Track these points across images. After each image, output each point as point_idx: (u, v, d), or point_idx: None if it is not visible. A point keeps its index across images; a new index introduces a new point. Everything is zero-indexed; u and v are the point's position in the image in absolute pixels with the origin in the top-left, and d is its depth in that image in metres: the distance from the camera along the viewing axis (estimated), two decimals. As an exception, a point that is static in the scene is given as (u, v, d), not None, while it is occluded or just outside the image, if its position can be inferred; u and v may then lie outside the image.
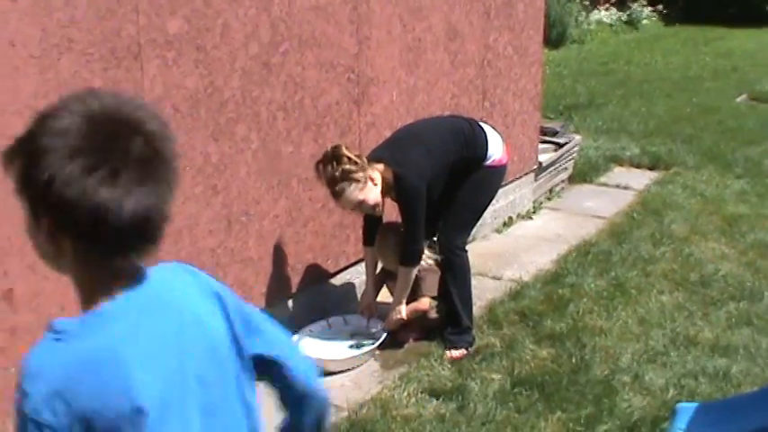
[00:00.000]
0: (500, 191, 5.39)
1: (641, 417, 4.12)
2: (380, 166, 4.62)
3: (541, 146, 7.61)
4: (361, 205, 4.60)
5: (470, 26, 6.20)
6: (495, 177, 4.99)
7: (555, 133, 8.02)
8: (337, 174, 4.44)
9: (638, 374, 4.54)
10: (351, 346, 4.90)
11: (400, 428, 4.04)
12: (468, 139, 4.85)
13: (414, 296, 4.95)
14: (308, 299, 5.05)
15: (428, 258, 4.95)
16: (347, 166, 4.43)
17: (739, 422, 3.77)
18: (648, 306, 5.37)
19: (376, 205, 4.63)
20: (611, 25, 19.45)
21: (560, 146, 7.87)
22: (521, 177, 7.17)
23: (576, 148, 8.28)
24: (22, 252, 3.51)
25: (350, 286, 5.33)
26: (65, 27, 3.52)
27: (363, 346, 4.86)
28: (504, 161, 4.98)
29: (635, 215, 7.13)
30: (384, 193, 4.64)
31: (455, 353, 4.85)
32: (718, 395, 4.33)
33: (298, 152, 4.83)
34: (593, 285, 5.64)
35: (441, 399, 4.33)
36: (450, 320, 4.96)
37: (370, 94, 5.29)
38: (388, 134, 5.07)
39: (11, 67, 3.37)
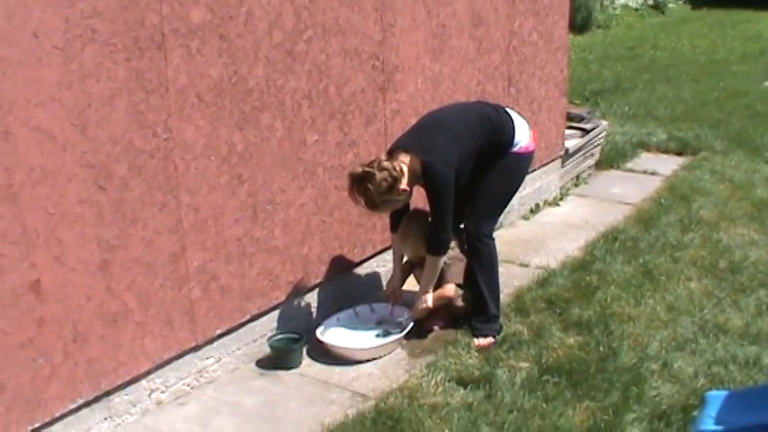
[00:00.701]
0: (527, 177, 5.36)
1: (670, 405, 4.08)
2: (407, 157, 4.59)
3: (568, 132, 7.56)
4: (393, 209, 4.79)
5: (495, 12, 6.15)
6: (522, 164, 4.95)
7: (581, 119, 7.97)
8: (375, 199, 4.50)
9: (666, 362, 4.50)
10: (378, 335, 4.88)
11: (427, 417, 4.02)
12: (494, 124, 4.81)
13: (440, 283, 4.93)
14: (334, 287, 5.04)
15: (454, 247, 4.92)
16: (382, 189, 4.46)
17: (770, 410, 3.73)
18: (677, 293, 5.32)
19: (407, 201, 4.74)
20: (636, 9, 19.33)
21: (587, 132, 7.82)
22: (547, 164, 7.12)
23: (602, 134, 8.22)
24: (48, 243, 3.53)
25: (376, 274, 5.32)
26: (88, 17, 3.52)
27: (390, 334, 4.84)
28: (531, 148, 4.95)
29: (662, 201, 7.06)
30: (411, 183, 4.61)
31: (482, 341, 4.82)
32: (749, 383, 4.29)
33: (323, 140, 4.81)
34: (620, 272, 5.60)
35: (468, 387, 4.30)
36: (478, 308, 4.93)
37: (395, 82, 5.26)
38: (413, 122, 5.04)
39: (34, 58, 3.37)
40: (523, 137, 4.88)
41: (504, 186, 4.93)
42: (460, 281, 4.97)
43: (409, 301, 5.00)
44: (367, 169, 4.45)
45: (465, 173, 4.70)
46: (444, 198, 4.57)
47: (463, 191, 4.75)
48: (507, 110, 4.99)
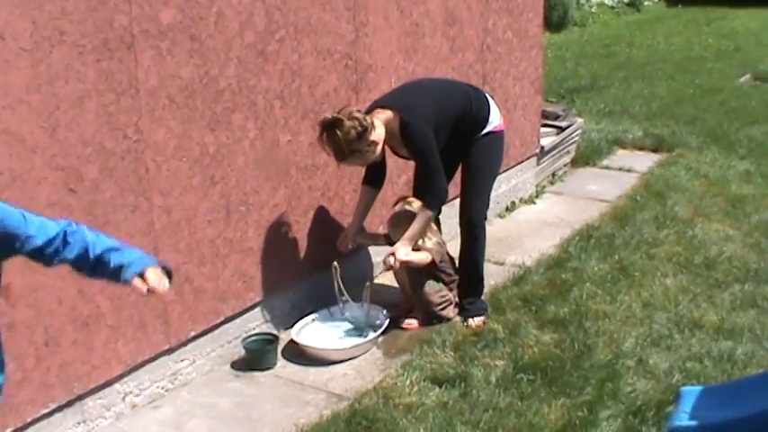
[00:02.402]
0: (502, 175, 5.37)
1: (645, 401, 4.09)
2: (386, 114, 4.66)
3: (543, 129, 7.57)
4: (363, 163, 4.78)
5: (469, 10, 6.15)
6: (499, 142, 5.08)
7: (557, 117, 7.97)
8: (337, 145, 4.49)
9: (642, 358, 4.51)
10: (353, 335, 4.87)
11: (402, 417, 4.01)
12: (472, 99, 4.95)
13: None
14: (309, 288, 5.03)
15: (432, 238, 4.92)
16: (350, 137, 4.46)
17: (745, 405, 3.74)
18: (652, 289, 5.33)
19: (377, 158, 4.74)
20: (612, 7, 19.38)
21: (562, 129, 7.83)
22: (523, 162, 7.13)
23: (578, 132, 8.23)
24: (17, 246, 3.49)
25: (352, 275, 5.30)
26: (56, 19, 3.49)
27: (365, 334, 4.83)
28: (503, 128, 5.09)
29: (638, 198, 7.08)
30: (385, 139, 4.68)
31: (477, 320, 4.95)
32: (724, 378, 4.30)
33: (296, 140, 4.80)
34: (596, 269, 5.61)
35: (443, 386, 4.30)
36: (469, 290, 5.09)
37: (368, 81, 5.25)
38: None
39: (2, 60, 3.35)
40: (496, 117, 5.02)
41: (489, 165, 5.06)
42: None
43: (387, 300, 5.00)
44: (336, 116, 4.49)
45: (440, 140, 4.74)
46: (429, 152, 4.64)
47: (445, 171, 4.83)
48: (485, 91, 5.17)
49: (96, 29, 3.67)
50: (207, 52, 4.19)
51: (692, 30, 16.91)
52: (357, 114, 4.51)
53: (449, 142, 4.81)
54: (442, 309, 5.01)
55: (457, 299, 5.10)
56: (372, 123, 4.57)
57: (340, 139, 4.46)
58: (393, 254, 4.74)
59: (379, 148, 4.66)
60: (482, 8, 6.30)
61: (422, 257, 4.85)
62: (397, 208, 4.95)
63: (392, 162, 5.05)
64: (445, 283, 5.05)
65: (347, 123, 4.45)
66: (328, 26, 4.89)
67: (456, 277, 5.11)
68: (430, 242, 4.91)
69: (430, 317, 5.01)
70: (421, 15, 5.65)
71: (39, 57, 3.46)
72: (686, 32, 16.60)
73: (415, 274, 4.96)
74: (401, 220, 4.88)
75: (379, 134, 4.61)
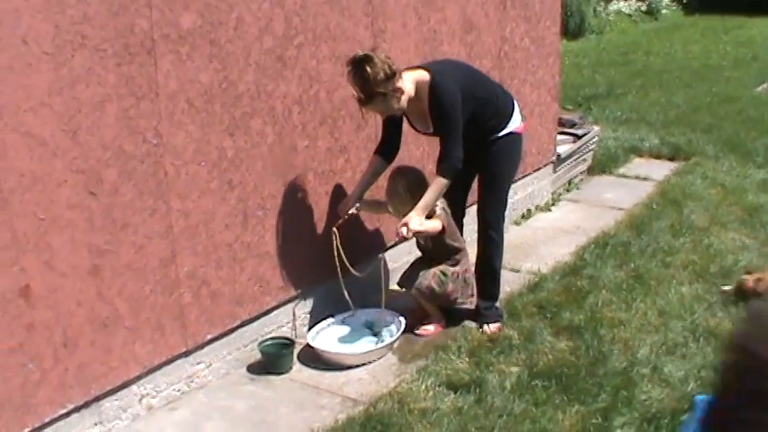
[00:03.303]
0: (518, 183, 5.37)
1: (660, 409, 4.09)
2: (418, 72, 4.69)
3: (560, 137, 7.57)
4: (384, 112, 4.72)
5: (486, 17, 6.17)
6: (518, 144, 5.07)
7: (573, 124, 7.98)
8: (364, 82, 4.47)
9: (656, 366, 4.51)
10: (369, 340, 4.89)
11: (417, 422, 4.03)
12: (498, 90, 5.02)
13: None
14: (325, 292, 5.04)
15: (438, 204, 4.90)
16: (379, 77, 4.44)
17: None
18: (668, 297, 5.32)
19: (398, 111, 4.70)
20: (629, 15, 19.36)
21: (579, 137, 7.83)
22: (539, 169, 7.14)
23: (594, 140, 8.24)
24: (38, 248, 3.53)
25: (368, 280, 5.31)
26: (77, 23, 3.53)
27: (381, 340, 4.85)
28: (522, 131, 5.09)
29: (654, 206, 7.08)
30: (410, 96, 4.66)
31: (493, 327, 4.98)
32: (738, 387, 4.29)
33: (314, 146, 4.82)
34: (611, 277, 5.61)
35: (458, 392, 4.31)
36: (486, 294, 5.12)
37: (385, 87, 5.26)
38: (404, 127, 5.06)
39: (24, 64, 3.38)
40: (518, 119, 5.02)
41: (507, 168, 5.06)
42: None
43: (401, 305, 5.02)
44: (369, 53, 4.49)
45: (463, 115, 4.71)
46: (453, 115, 4.62)
47: (463, 176, 4.90)
48: (512, 95, 5.19)
49: (117, 33, 3.70)
50: (226, 57, 4.22)
51: (710, 38, 16.88)
52: (389, 60, 4.51)
53: (470, 131, 4.73)
54: (450, 297, 5.01)
55: (468, 274, 5.08)
56: (401, 72, 4.56)
57: (369, 76, 4.42)
58: (406, 224, 4.66)
59: (404, 99, 4.60)
60: (499, 15, 6.32)
61: (434, 225, 4.79)
62: (390, 183, 4.88)
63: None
64: (449, 259, 5.00)
65: (378, 62, 4.43)
66: (347, 32, 4.92)
67: (463, 246, 5.06)
68: (438, 208, 4.85)
69: (447, 310, 5.10)
70: (439, 22, 5.68)
71: (61, 60, 3.50)
72: (704, 41, 16.57)
73: (413, 269, 5.02)
74: (397, 190, 4.83)
75: (406, 85, 4.60)
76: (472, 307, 5.10)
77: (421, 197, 4.68)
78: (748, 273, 5.18)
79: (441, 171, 4.67)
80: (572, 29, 16.27)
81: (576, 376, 4.39)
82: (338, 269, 4.85)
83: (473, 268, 5.12)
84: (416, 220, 4.66)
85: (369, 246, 5.32)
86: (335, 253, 4.84)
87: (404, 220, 4.67)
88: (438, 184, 4.68)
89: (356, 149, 5.08)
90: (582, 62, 14.13)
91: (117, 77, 3.74)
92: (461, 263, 5.02)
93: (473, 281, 5.09)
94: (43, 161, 3.51)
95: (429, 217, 4.77)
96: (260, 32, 4.38)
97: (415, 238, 4.96)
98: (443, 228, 4.84)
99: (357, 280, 4.96)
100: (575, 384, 4.32)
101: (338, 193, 5.01)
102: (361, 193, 4.95)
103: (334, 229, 4.85)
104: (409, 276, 5.01)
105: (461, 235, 5.09)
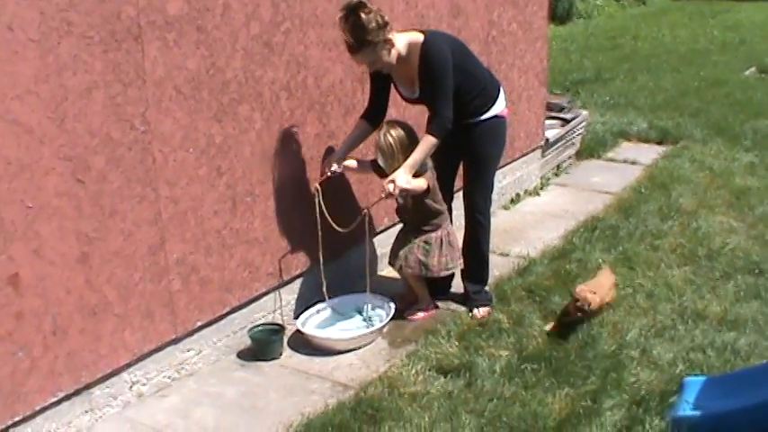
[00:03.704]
0: (507, 167, 5.38)
1: (649, 391, 4.10)
2: (412, 33, 4.69)
3: (548, 122, 7.59)
4: (372, 64, 4.66)
5: (474, 2, 6.16)
6: (502, 128, 5.05)
7: (562, 109, 7.99)
8: (356, 30, 4.44)
9: (645, 349, 4.53)
10: (359, 325, 4.90)
11: (407, 406, 4.04)
12: (486, 74, 5.00)
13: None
14: (314, 278, 5.04)
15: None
16: (371, 26, 4.42)
17: (747, 395, 3.77)
18: (656, 280, 5.35)
19: (387, 65, 4.66)
20: (617, 0, 19.34)
21: (567, 121, 7.85)
22: (528, 153, 7.15)
23: (583, 124, 8.25)
24: (26, 237, 3.52)
25: (357, 265, 5.31)
26: (63, 10, 3.51)
27: (371, 324, 4.86)
28: (506, 116, 5.06)
29: (643, 190, 7.10)
30: (400, 53, 4.64)
31: (483, 311, 5.01)
32: (727, 368, 4.32)
33: (302, 132, 4.82)
34: (600, 260, 5.63)
35: (448, 376, 4.32)
36: (475, 277, 5.15)
37: (373, 73, 5.26)
38: (393, 113, 5.05)
39: (10, 51, 3.36)
40: (502, 103, 5.01)
41: (492, 152, 5.06)
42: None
43: (394, 291, 5.03)
44: (363, 0, 4.46)
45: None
46: (444, 75, 4.60)
47: (446, 163, 4.97)
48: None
49: (103, 20, 3.69)
50: (213, 43, 4.21)
51: (698, 22, 16.91)
52: (383, 13, 4.50)
53: (454, 112, 4.68)
54: (440, 264, 4.97)
55: (451, 237, 5.02)
56: (392, 27, 4.55)
57: (362, 22, 4.40)
58: (393, 180, 4.61)
59: (394, 54, 4.59)
60: (487, 0, 6.31)
61: (420, 184, 4.74)
62: (381, 136, 4.78)
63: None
64: (429, 223, 4.95)
65: (371, 10, 4.43)
66: (334, 18, 4.88)
67: (444, 209, 5.01)
68: (424, 165, 4.81)
69: (437, 290, 5.15)
70: (426, 7, 5.67)
71: (47, 48, 3.48)
72: (691, 25, 16.60)
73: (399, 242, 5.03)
74: (389, 144, 4.75)
75: (397, 39, 4.60)
76: (460, 267, 5.11)
77: (410, 152, 4.66)
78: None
79: (430, 129, 4.64)
80: (560, 13, 16.29)
81: (565, 359, 4.41)
82: (318, 227, 4.83)
83: (453, 230, 5.08)
84: (403, 178, 4.61)
85: (354, 207, 5.30)
86: (318, 210, 4.81)
87: (391, 176, 4.64)
88: (427, 143, 4.64)
89: (344, 135, 5.06)
90: (570, 47, 14.14)
91: (104, 64, 3.72)
92: (442, 227, 4.96)
93: (457, 242, 5.06)
94: (30, 149, 3.49)
95: (416, 176, 4.72)
96: (247, 18, 4.37)
97: (395, 200, 4.90)
98: (428, 187, 4.80)
99: (343, 267, 4.96)
100: (564, 367, 4.33)
101: (329, 184, 5.00)
102: (344, 153, 4.91)
103: (317, 185, 4.83)
104: (396, 254, 5.01)
105: (450, 218, 5.09)
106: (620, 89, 10.97)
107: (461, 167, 5.11)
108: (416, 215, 4.92)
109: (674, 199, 6.82)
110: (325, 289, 4.93)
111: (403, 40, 4.64)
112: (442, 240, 4.93)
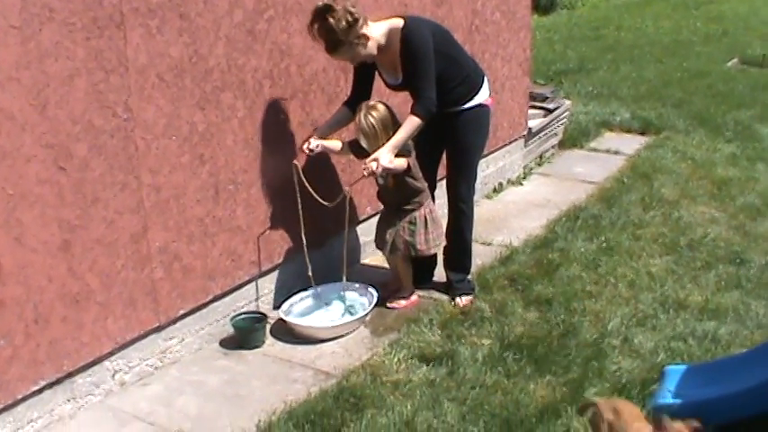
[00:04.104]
0: (490, 157, 5.38)
1: (630, 379, 4.13)
2: (392, 20, 4.68)
3: (531, 111, 7.59)
4: (353, 59, 4.68)
5: (458, -9, 6.16)
6: (486, 117, 5.04)
7: (545, 99, 8.00)
8: (328, 32, 4.44)
9: (627, 338, 4.55)
10: (341, 314, 4.90)
11: (390, 394, 4.05)
12: (469, 61, 4.99)
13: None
14: (297, 267, 5.04)
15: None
16: (340, 26, 4.41)
17: (727, 383, 3.79)
18: (638, 270, 5.38)
19: (367, 57, 4.67)
20: (601, -10, 19.34)
21: (550, 111, 7.85)
22: (510, 143, 7.15)
23: (566, 114, 8.26)
24: (8, 224, 3.51)
25: (340, 254, 5.32)
26: (45, -4, 3.50)
27: (353, 313, 4.86)
28: (490, 105, 5.06)
29: (625, 180, 7.12)
30: (379, 42, 4.64)
31: (465, 299, 5.02)
32: (707, 357, 4.35)
33: (285, 120, 4.81)
34: (582, 250, 5.65)
35: (430, 364, 4.34)
36: (458, 266, 5.17)
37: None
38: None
39: (-9, 37, 3.34)
40: (486, 92, 4.99)
41: (476, 141, 5.05)
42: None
43: (377, 280, 5.04)
44: (329, 3, 4.44)
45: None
46: (425, 57, 4.60)
47: (429, 153, 4.99)
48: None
49: (86, 7, 3.67)
50: (196, 31, 4.19)
51: (681, 13, 16.91)
52: (351, 7, 4.46)
53: (437, 99, 4.68)
54: (427, 242, 4.96)
55: (433, 214, 5.00)
56: (365, 19, 4.54)
57: (331, 25, 4.41)
58: (376, 159, 4.60)
59: (372, 45, 4.59)
60: (471, -11, 6.31)
61: (401, 163, 4.73)
62: (362, 117, 4.71)
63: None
64: (410, 202, 4.92)
65: (339, 10, 4.41)
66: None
67: (425, 187, 4.97)
68: (407, 146, 4.78)
69: (420, 276, 5.17)
70: (410, -4, 5.66)
71: (28, 34, 3.46)
72: (675, 16, 16.60)
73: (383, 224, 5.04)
74: (369, 124, 4.70)
75: (372, 32, 4.58)
76: (443, 244, 5.13)
77: (392, 132, 4.65)
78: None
79: (415, 110, 4.62)
80: (543, 3, 16.28)
81: (547, 348, 4.43)
82: (299, 206, 4.82)
83: (435, 206, 5.07)
84: (387, 157, 4.60)
85: (336, 189, 5.23)
86: (297, 188, 4.79)
87: (374, 155, 4.62)
88: (411, 123, 4.62)
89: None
90: (553, 37, 14.14)
91: (86, 51, 3.71)
92: (424, 204, 4.94)
93: (440, 218, 5.06)
94: (12, 136, 3.48)
95: (397, 156, 4.70)
96: (230, 6, 4.35)
97: (375, 180, 4.89)
98: (409, 166, 4.78)
99: (325, 256, 4.97)
100: (546, 356, 4.36)
101: (310, 167, 4.99)
102: (323, 133, 4.89)
103: (294, 162, 4.80)
104: (383, 238, 5.00)
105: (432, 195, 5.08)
106: (604, 79, 10.98)
107: (444, 157, 5.11)
108: (398, 194, 4.90)
109: (656, 189, 6.85)
110: (310, 272, 4.91)
111: (382, 28, 4.63)
112: (425, 218, 4.92)
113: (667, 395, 3.88)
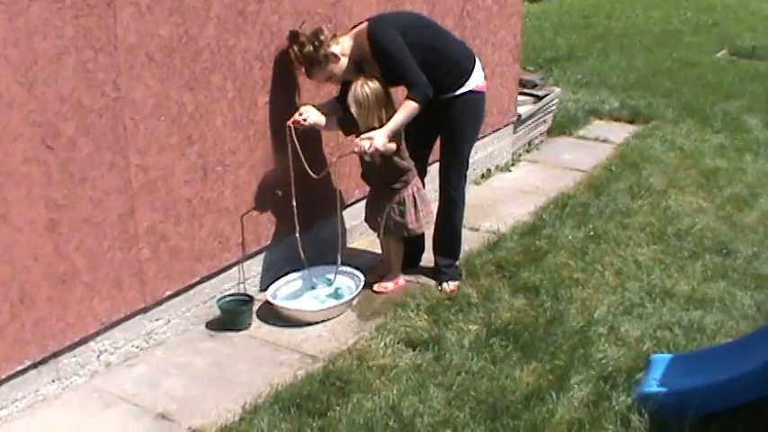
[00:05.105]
0: (479, 143, 5.37)
1: (616, 367, 4.13)
2: (359, 27, 4.72)
3: (521, 98, 7.58)
4: (330, 79, 4.76)
5: (449, -24, 6.14)
6: (480, 103, 5.03)
7: (534, 85, 8.00)
8: (299, 58, 4.65)
9: (613, 326, 4.56)
10: (328, 297, 4.89)
11: (376, 378, 4.05)
12: (457, 47, 4.95)
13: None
14: (285, 249, 5.03)
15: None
16: (305, 50, 4.59)
17: (713, 373, 3.80)
18: (625, 258, 5.39)
19: (345, 74, 4.73)
20: (592, -22, 19.32)
21: (540, 98, 7.85)
22: (499, 129, 7.15)
23: (555, 101, 8.26)
24: (-7, 202, 3.48)
25: (328, 237, 5.31)
26: (35, -28, 3.46)
27: (340, 297, 4.86)
28: (485, 90, 5.03)
29: (613, 168, 7.13)
30: (353, 53, 4.70)
31: (452, 285, 5.02)
32: (693, 346, 4.36)
33: (274, 102, 4.79)
34: (570, 237, 5.65)
35: (417, 349, 4.33)
36: (447, 252, 5.17)
37: (347, 45, 5.23)
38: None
39: (-21, 12, 3.31)
40: (479, 76, 4.96)
41: (469, 128, 5.05)
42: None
43: (365, 262, 5.03)
44: (294, 30, 4.65)
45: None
46: (399, 51, 4.62)
47: (421, 139, 5.00)
48: (475, 54, 5.11)
49: (75, -16, 3.64)
50: (186, 11, 4.16)
51: (671, 3, 16.93)
52: (318, 30, 4.61)
53: (438, 110, 4.76)
54: (418, 219, 4.96)
55: (420, 192, 4.99)
56: (333, 36, 4.64)
57: (298, 51, 4.61)
58: (371, 138, 4.60)
59: (344, 61, 4.66)
60: (463, -26, 6.29)
61: (391, 147, 4.74)
62: (357, 86, 4.68)
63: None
64: (398, 181, 4.91)
65: (302, 36, 4.59)
66: (309, -12, 4.87)
67: (411, 166, 4.94)
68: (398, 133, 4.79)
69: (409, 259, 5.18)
70: (401, -20, 5.64)
71: (17, 10, 3.43)
72: (665, 6, 16.63)
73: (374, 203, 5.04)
74: (365, 95, 4.67)
75: (343, 48, 4.65)
76: (432, 221, 5.12)
77: (384, 108, 4.68)
78: None
79: (411, 95, 4.62)
80: (534, -9, 16.26)
81: (533, 335, 4.43)
82: (291, 174, 4.78)
83: (421, 184, 5.05)
84: (381, 140, 4.62)
85: (324, 163, 5.18)
86: (290, 153, 4.73)
87: (369, 134, 4.62)
88: (408, 108, 4.63)
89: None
90: (543, 25, 14.13)
91: (75, 29, 3.67)
92: (411, 183, 4.93)
93: (427, 196, 5.06)
94: (-1, 113, 3.45)
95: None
96: (221, -14, 4.33)
97: (362, 157, 4.83)
98: (398, 147, 4.78)
99: (313, 239, 4.95)
100: (532, 343, 4.36)
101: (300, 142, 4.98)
102: (318, 106, 4.87)
103: (288, 124, 4.73)
104: (374, 220, 5.00)
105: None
106: (593, 68, 10.99)
107: (436, 143, 5.10)
108: (384, 173, 4.87)
109: (644, 178, 6.86)
110: (301, 249, 4.87)
111: (351, 40, 4.70)
112: (414, 197, 4.92)
113: (653, 384, 3.89)
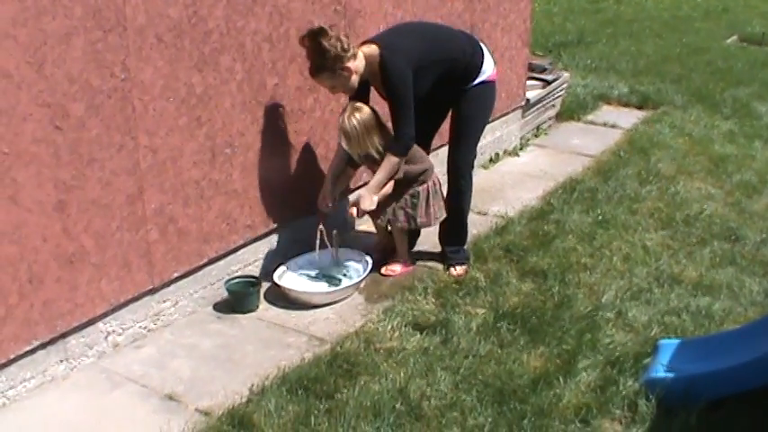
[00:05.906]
0: (487, 127, 5.35)
1: (623, 353, 4.13)
2: (370, 48, 4.65)
3: (529, 82, 7.56)
4: (333, 88, 4.69)
5: (459, -41, 6.11)
6: (490, 92, 5.04)
7: (543, 70, 7.97)
8: (314, 55, 4.52)
9: (621, 311, 4.56)
10: (336, 280, 4.89)
11: (383, 361, 4.05)
12: (465, 45, 4.92)
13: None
14: (292, 231, 5.04)
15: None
16: (328, 53, 4.47)
17: (720, 359, 3.80)
18: (633, 243, 5.38)
19: (349, 90, 4.70)
20: (602, -37, 19.23)
21: (548, 83, 7.83)
22: (508, 114, 7.13)
23: (564, 86, 8.23)
24: (2, 183, 3.49)
25: (333, 220, 5.31)
26: (44, -48, 3.45)
27: (348, 279, 4.86)
28: (495, 78, 5.04)
29: (622, 153, 7.11)
30: (363, 73, 4.66)
31: (460, 269, 5.02)
32: (701, 332, 4.35)
33: (283, 84, 4.78)
34: (578, 222, 5.64)
35: (424, 332, 4.33)
36: (454, 238, 5.15)
37: (356, 27, 5.22)
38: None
39: (-11, -8, 3.30)
40: (489, 66, 4.97)
41: (480, 115, 5.05)
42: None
43: (368, 242, 5.03)
44: (325, 27, 4.52)
45: (427, 79, 4.72)
46: (403, 93, 4.59)
47: (430, 118, 4.97)
48: (479, 41, 5.09)
49: (85, -36, 3.63)
50: (196, -8, 4.15)
51: (681, -12, 16.86)
52: (344, 38, 4.51)
53: (439, 88, 4.78)
54: (430, 213, 4.99)
55: (437, 186, 5.03)
56: (355, 53, 4.57)
57: (322, 49, 4.46)
58: (356, 205, 4.73)
59: (354, 79, 4.61)
60: (473, -42, 6.27)
61: (386, 190, 4.79)
62: (345, 118, 4.68)
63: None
64: (416, 181, 4.92)
65: (333, 37, 4.47)
66: (318, -30, 4.86)
67: (428, 165, 4.97)
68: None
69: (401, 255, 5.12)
70: (411, -37, 5.62)
71: (26, -10, 3.43)
72: (675, -9, 16.56)
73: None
74: (356, 132, 4.68)
75: (357, 66, 4.59)
76: (442, 217, 5.09)
77: (375, 135, 4.69)
78: None
79: (392, 150, 4.68)
80: (544, -25, 16.18)
81: (541, 319, 4.43)
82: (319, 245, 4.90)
83: (439, 178, 5.06)
84: (368, 200, 4.71)
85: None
86: (318, 245, 4.89)
87: (354, 200, 4.72)
88: (389, 164, 4.68)
89: (325, 89, 5.03)
90: (553, 9, 14.09)
91: (84, 9, 3.66)
92: (429, 179, 4.94)
93: (441, 191, 5.07)
94: (7, 94, 3.44)
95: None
96: (230, -33, 4.31)
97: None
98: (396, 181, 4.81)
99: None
100: (540, 327, 4.36)
101: (306, 132, 4.98)
102: (333, 178, 4.94)
103: (320, 227, 4.85)
104: (383, 209, 4.94)
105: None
106: (602, 53, 10.94)
107: (446, 130, 5.08)
108: (402, 180, 4.87)
109: (652, 164, 6.84)
110: (320, 229, 4.89)
111: (362, 58, 4.64)
112: (428, 191, 4.93)
113: (660, 369, 3.89)
